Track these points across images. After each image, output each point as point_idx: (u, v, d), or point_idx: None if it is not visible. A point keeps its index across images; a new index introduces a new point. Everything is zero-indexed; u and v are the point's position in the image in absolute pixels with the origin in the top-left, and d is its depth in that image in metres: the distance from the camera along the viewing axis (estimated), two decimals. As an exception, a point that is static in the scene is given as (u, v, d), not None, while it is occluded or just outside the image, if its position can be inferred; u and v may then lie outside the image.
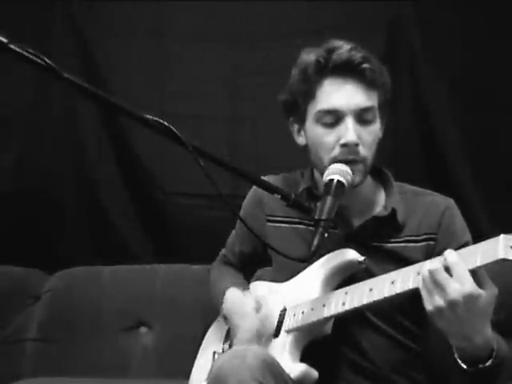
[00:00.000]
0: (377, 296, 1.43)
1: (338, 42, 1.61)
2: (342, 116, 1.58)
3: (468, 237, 1.64)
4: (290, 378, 1.51)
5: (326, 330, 1.59)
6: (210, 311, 1.84)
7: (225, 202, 1.52)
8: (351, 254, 1.59)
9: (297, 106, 1.66)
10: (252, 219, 1.78)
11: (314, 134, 1.63)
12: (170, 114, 2.36)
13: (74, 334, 2.37)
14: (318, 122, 1.61)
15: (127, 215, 2.70)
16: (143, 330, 2.38)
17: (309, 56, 1.63)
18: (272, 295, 1.74)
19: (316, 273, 1.64)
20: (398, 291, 1.40)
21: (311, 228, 1.57)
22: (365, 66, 1.58)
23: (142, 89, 2.64)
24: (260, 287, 1.84)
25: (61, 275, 2.51)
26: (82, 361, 2.33)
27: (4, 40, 1.21)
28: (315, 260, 1.64)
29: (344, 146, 1.58)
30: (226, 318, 1.76)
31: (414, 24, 2.54)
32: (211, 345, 1.85)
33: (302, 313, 1.60)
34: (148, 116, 1.37)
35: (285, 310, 1.67)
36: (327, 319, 1.56)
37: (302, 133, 1.69)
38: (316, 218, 1.49)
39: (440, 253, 1.34)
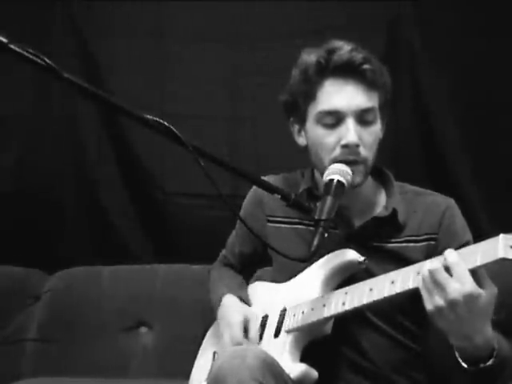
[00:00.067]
0: (377, 296, 1.43)
1: (338, 43, 1.61)
2: (343, 117, 1.58)
3: (469, 236, 1.64)
4: (290, 378, 1.51)
5: (326, 330, 1.59)
6: (210, 311, 1.84)
7: (225, 202, 1.51)
8: (351, 255, 1.59)
9: (297, 107, 1.66)
10: (252, 219, 1.79)
11: (314, 134, 1.63)
12: (169, 114, 2.36)
13: (73, 334, 2.37)
14: (319, 122, 1.61)
15: (127, 215, 2.70)
16: (143, 329, 2.38)
17: (309, 57, 1.63)
18: (272, 296, 1.75)
19: (316, 273, 1.64)
20: (398, 291, 1.40)
21: (311, 228, 1.57)
22: (365, 66, 1.58)
23: (141, 89, 2.64)
24: (259, 288, 1.84)
25: (61, 275, 2.51)
26: (81, 361, 2.33)
27: (4, 40, 1.21)
28: (315, 260, 1.64)
29: (345, 146, 1.58)
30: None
31: (414, 24, 2.54)
32: (211, 345, 1.85)
33: (302, 313, 1.60)
34: (148, 116, 1.37)
35: (285, 310, 1.67)
36: (327, 319, 1.56)
37: (303, 133, 1.69)
38: (316, 218, 1.50)
39: (441, 253, 1.33)
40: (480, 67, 2.49)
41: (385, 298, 1.42)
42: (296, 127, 1.71)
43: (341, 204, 1.54)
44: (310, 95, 1.62)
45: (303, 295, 1.63)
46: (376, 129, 1.62)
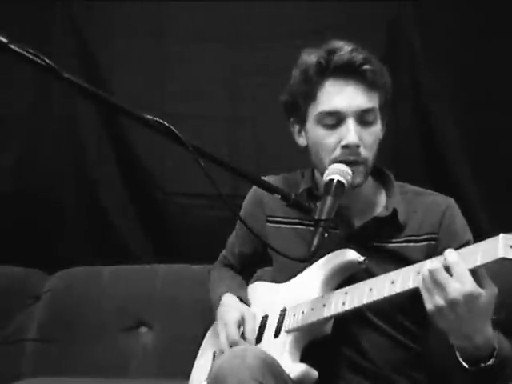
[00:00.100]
0: (377, 296, 1.43)
1: (338, 43, 1.61)
2: (344, 118, 1.58)
3: (469, 236, 1.64)
4: (290, 378, 1.51)
5: (326, 330, 1.59)
6: (210, 311, 1.84)
7: (225, 202, 1.51)
8: (351, 255, 1.59)
9: (297, 107, 1.66)
10: (252, 219, 1.79)
11: (314, 135, 1.63)
12: (170, 114, 2.36)
13: (74, 334, 2.37)
14: (319, 123, 1.61)
15: (127, 215, 2.70)
16: (143, 329, 2.38)
17: (309, 57, 1.63)
18: (272, 295, 1.75)
19: (316, 273, 1.64)
20: (398, 291, 1.40)
21: (311, 228, 1.57)
22: (366, 67, 1.58)
23: (141, 89, 2.64)
24: (259, 288, 1.84)
25: (61, 275, 2.51)
26: (81, 361, 2.33)
27: (4, 40, 1.21)
28: (315, 260, 1.64)
29: (345, 147, 1.57)
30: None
31: (414, 24, 2.54)
32: (211, 345, 1.85)
33: (302, 313, 1.60)
34: (148, 116, 1.37)
35: (285, 310, 1.67)
36: (327, 319, 1.56)
37: (303, 133, 1.69)
38: (316, 218, 1.50)
39: (441, 252, 1.33)
40: (480, 67, 2.49)
41: (385, 297, 1.42)
42: (296, 127, 1.71)
43: (341, 204, 1.54)
44: (311, 96, 1.62)
45: (303, 295, 1.63)
46: (376, 129, 1.62)
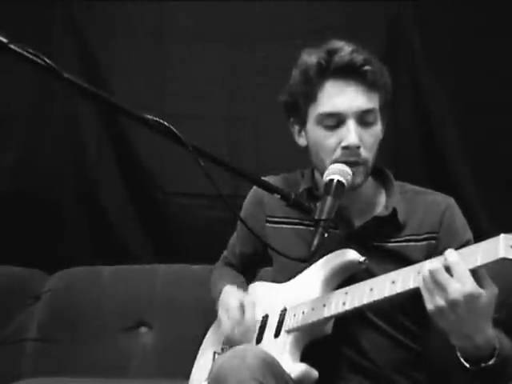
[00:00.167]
0: (377, 296, 1.43)
1: (338, 44, 1.61)
2: (344, 118, 1.58)
3: (469, 235, 1.64)
4: (291, 378, 1.51)
5: (327, 330, 1.59)
6: (210, 311, 1.84)
7: (225, 202, 1.51)
8: (351, 255, 1.59)
9: (297, 108, 1.66)
10: (252, 219, 1.79)
11: (315, 136, 1.63)
12: (170, 114, 2.36)
13: (74, 334, 2.37)
14: (320, 124, 1.61)
15: (127, 215, 2.70)
16: (143, 329, 2.38)
17: (310, 57, 1.63)
18: (272, 295, 1.75)
19: (316, 273, 1.64)
20: (399, 291, 1.40)
21: (311, 228, 1.57)
22: (366, 68, 1.58)
23: (142, 89, 2.64)
24: (259, 288, 1.84)
25: (61, 275, 2.51)
26: (81, 361, 2.33)
27: (4, 40, 1.21)
28: (315, 260, 1.64)
29: (345, 148, 1.57)
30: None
31: (414, 24, 2.54)
32: (211, 345, 1.85)
33: (303, 313, 1.60)
34: (148, 116, 1.37)
35: (285, 310, 1.67)
36: (327, 319, 1.56)
37: (303, 134, 1.68)
38: (316, 218, 1.49)
39: (441, 252, 1.33)
40: (480, 67, 2.49)
41: (385, 297, 1.42)
42: (296, 128, 1.71)
43: (341, 204, 1.54)
44: (311, 96, 1.62)
45: (303, 295, 1.63)
46: (376, 130, 1.62)
